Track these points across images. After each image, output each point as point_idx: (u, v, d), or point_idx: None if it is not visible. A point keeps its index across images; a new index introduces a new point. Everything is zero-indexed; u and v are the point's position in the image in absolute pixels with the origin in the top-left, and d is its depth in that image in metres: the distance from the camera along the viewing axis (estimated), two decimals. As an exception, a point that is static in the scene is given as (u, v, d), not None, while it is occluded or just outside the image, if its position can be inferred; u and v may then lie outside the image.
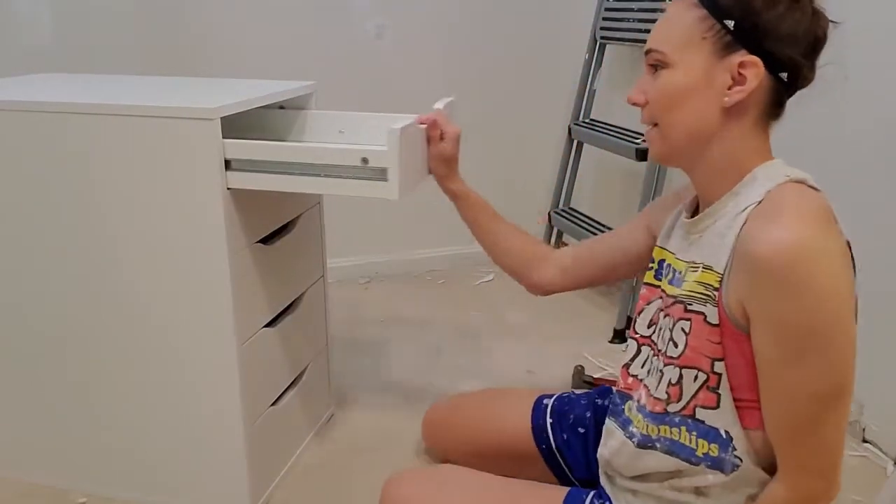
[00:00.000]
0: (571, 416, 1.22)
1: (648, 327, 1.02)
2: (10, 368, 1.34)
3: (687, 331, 0.90)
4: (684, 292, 0.91)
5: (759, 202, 0.83)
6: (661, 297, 1.00)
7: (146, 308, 1.22)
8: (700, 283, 0.89)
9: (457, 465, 1.19)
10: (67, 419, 1.34)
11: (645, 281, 1.05)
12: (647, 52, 0.91)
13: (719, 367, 0.87)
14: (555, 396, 1.28)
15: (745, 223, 0.83)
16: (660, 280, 1.02)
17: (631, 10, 2.16)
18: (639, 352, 1.03)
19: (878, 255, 1.49)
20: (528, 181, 2.57)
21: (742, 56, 0.84)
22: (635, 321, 1.05)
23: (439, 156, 1.23)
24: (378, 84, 2.33)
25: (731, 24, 0.83)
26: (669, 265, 0.99)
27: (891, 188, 1.44)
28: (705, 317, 0.87)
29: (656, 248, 1.05)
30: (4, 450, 1.41)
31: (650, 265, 1.05)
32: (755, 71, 0.84)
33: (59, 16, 2.02)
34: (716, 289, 0.86)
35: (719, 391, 0.88)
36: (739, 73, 0.84)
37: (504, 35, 2.43)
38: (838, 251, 0.80)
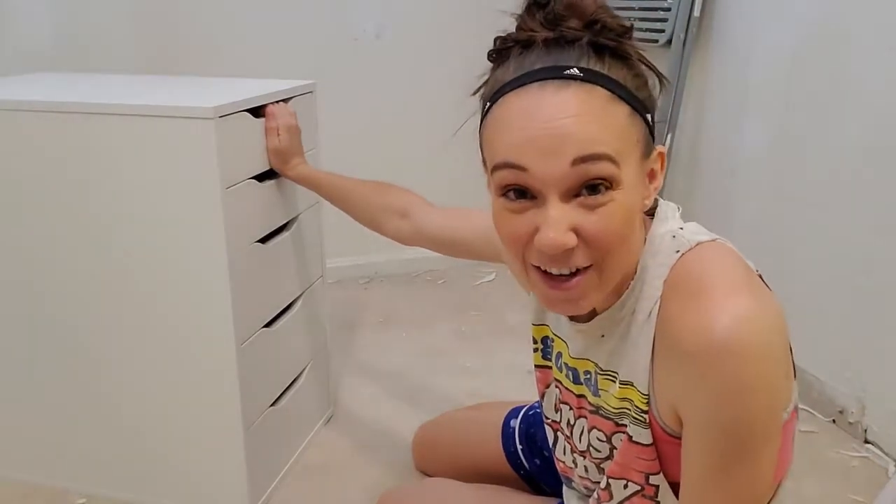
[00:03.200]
0: (538, 438, 1.17)
1: (555, 412, 0.93)
2: (10, 369, 1.34)
3: (616, 446, 0.81)
4: (609, 407, 0.80)
5: (661, 294, 0.71)
6: (557, 387, 0.92)
7: (145, 308, 1.22)
8: (624, 399, 0.77)
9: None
10: (67, 419, 1.34)
11: (535, 363, 0.96)
12: (584, 159, 0.63)
13: (656, 479, 0.77)
14: (521, 415, 1.23)
15: (657, 319, 0.71)
16: (548, 360, 0.93)
17: (632, 8, 2.15)
18: (556, 438, 0.95)
19: (877, 253, 1.49)
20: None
21: (657, 149, 0.71)
22: (541, 403, 0.97)
23: (274, 149, 1.27)
24: (378, 84, 2.33)
25: (649, 117, 0.69)
26: (559, 355, 0.88)
27: (890, 186, 1.44)
28: (631, 437, 0.77)
29: (534, 326, 0.93)
30: (4, 450, 1.40)
31: (533, 344, 0.95)
32: (662, 161, 0.73)
33: (59, 16, 2.02)
34: (644, 411, 0.74)
35: (658, 499, 0.78)
36: (651, 169, 0.72)
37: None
38: (775, 321, 0.66)
